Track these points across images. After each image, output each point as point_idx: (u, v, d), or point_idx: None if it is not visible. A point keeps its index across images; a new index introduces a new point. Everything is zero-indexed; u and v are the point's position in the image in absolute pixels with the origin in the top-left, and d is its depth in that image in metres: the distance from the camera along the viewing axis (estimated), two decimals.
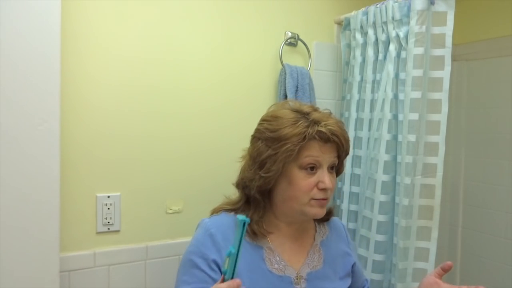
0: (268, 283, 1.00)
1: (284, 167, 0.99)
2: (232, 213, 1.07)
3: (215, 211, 1.10)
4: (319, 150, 0.99)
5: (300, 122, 0.99)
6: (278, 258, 1.03)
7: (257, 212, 1.04)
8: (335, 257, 1.11)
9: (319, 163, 0.99)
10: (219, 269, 0.98)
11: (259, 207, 1.04)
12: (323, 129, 0.98)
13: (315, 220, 1.13)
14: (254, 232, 1.02)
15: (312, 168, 0.99)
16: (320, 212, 1.02)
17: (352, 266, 1.15)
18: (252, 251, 1.02)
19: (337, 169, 1.07)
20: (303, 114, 1.01)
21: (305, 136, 0.97)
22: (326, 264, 1.08)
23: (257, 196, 1.03)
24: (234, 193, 1.13)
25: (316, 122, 0.99)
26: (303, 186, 0.99)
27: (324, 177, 0.99)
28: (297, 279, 1.02)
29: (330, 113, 1.05)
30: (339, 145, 1.01)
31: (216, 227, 1.03)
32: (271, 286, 1.00)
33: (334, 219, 1.20)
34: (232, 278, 0.79)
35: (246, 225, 0.79)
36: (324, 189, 0.99)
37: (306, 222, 1.11)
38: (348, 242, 1.18)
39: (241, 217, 0.79)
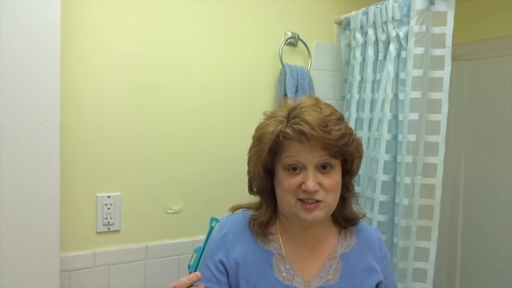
0: None
1: (265, 168, 0.97)
2: (251, 211, 1.04)
3: (236, 208, 1.07)
4: (299, 149, 0.91)
5: (274, 122, 0.94)
6: (288, 267, 0.98)
7: (263, 213, 1.01)
8: (357, 272, 1.00)
9: (300, 163, 0.92)
10: (226, 270, 0.97)
11: (264, 208, 1.02)
12: (287, 130, 0.91)
13: (338, 227, 1.05)
14: (258, 234, 0.99)
15: (295, 169, 0.93)
16: (309, 217, 0.93)
17: (378, 286, 1.02)
18: (261, 256, 0.98)
19: (348, 169, 0.99)
20: (289, 111, 0.95)
21: (272, 137, 0.93)
22: (343, 279, 0.98)
23: (260, 196, 1.03)
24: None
25: (289, 121, 0.93)
26: (286, 185, 0.93)
27: (307, 178, 0.91)
28: None
29: (321, 107, 0.94)
30: (323, 147, 0.90)
31: (230, 226, 1.02)
32: None
33: (370, 229, 1.09)
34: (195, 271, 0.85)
35: (215, 224, 0.87)
36: (307, 191, 0.91)
37: (325, 229, 1.03)
38: (380, 257, 1.05)
39: (213, 217, 0.87)
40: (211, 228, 0.87)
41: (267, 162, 0.96)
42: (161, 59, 1.35)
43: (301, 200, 0.93)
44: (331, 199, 0.95)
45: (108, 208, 1.28)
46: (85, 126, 1.24)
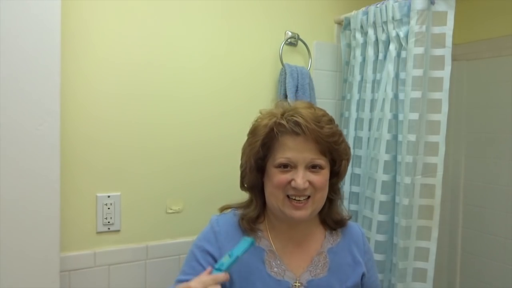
0: (265, 286, 0.99)
1: (257, 162, 1.00)
2: (241, 210, 1.07)
3: (225, 208, 1.11)
4: (292, 148, 0.96)
5: (269, 115, 0.99)
6: (279, 262, 1.01)
7: (252, 209, 1.05)
8: (343, 266, 1.05)
9: (292, 162, 0.96)
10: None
11: (253, 205, 1.05)
12: (282, 121, 0.96)
13: (325, 227, 1.09)
14: (247, 230, 1.03)
15: (286, 166, 0.96)
16: (296, 215, 0.97)
17: (362, 278, 1.07)
18: (253, 253, 1.00)
19: (336, 171, 1.02)
20: (284, 109, 1.00)
21: (266, 130, 0.97)
22: (331, 273, 1.03)
23: (248, 192, 1.07)
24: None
25: (283, 115, 0.98)
26: (275, 181, 0.97)
27: (297, 175, 0.95)
28: (295, 285, 0.99)
29: (314, 108, 1.00)
30: (315, 140, 0.95)
31: (221, 225, 1.04)
32: None
33: (353, 225, 1.13)
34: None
35: (250, 245, 0.93)
36: (296, 188, 0.95)
37: (312, 226, 1.07)
38: (364, 251, 1.10)
39: (248, 238, 0.94)
40: (246, 244, 0.93)
41: (260, 155, 0.99)
42: (161, 58, 1.35)
43: (289, 198, 0.97)
44: (319, 197, 0.99)
45: (108, 208, 1.28)
46: (85, 126, 1.24)
